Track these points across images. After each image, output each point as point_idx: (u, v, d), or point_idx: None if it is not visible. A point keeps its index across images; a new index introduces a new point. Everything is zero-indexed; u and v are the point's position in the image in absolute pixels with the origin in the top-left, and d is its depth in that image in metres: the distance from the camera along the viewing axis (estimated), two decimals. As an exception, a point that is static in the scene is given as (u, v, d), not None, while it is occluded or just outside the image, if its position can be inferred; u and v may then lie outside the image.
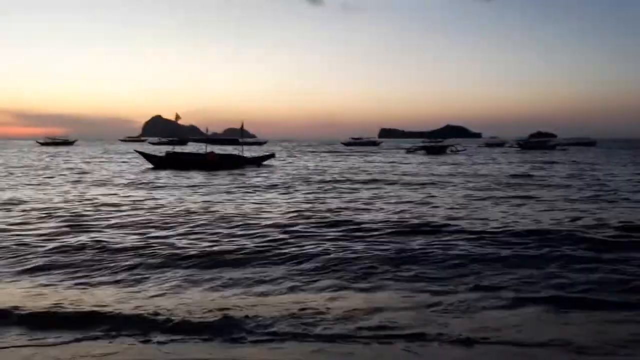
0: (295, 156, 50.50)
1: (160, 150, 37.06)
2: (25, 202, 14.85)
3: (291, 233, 10.23)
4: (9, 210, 13.24)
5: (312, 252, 8.62)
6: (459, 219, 12.02)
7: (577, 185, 20.66)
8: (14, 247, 8.98)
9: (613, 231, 10.40)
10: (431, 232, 10.28)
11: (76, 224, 11.14)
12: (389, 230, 10.48)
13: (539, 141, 78.50)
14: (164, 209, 13.58)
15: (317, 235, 10.03)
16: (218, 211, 13.14)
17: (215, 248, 8.94)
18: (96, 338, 5.17)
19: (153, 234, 10.16)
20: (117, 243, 9.24)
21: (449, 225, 11.03)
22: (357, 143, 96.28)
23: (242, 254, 8.54)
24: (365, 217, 12.33)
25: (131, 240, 9.58)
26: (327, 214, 12.70)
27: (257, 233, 10.23)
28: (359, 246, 9.09)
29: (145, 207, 13.98)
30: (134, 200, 15.36)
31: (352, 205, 14.60)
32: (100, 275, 7.37)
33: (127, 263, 7.95)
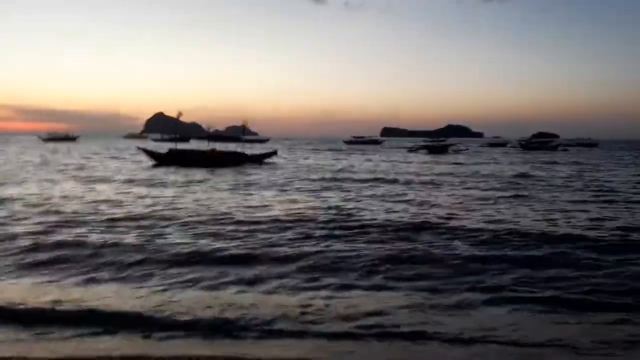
0: (296, 154, 50.62)
1: (163, 147, 37.09)
2: (28, 197, 14.90)
3: (292, 231, 10.27)
4: (12, 205, 13.31)
5: (313, 250, 8.67)
6: (459, 218, 12.05)
7: (578, 186, 20.68)
8: (19, 243, 9.05)
9: (613, 232, 10.44)
10: (432, 232, 10.32)
11: (79, 220, 11.21)
12: (390, 230, 10.53)
13: (540, 142, 78.61)
14: (166, 206, 13.62)
15: (318, 234, 10.06)
16: (219, 208, 13.19)
17: (215, 246, 8.98)
18: (98, 334, 5.22)
19: (154, 231, 10.20)
20: (118, 239, 9.29)
21: (449, 225, 11.07)
22: (359, 142, 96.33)
23: (242, 252, 8.58)
24: (366, 216, 12.36)
25: (133, 236, 9.63)
26: (329, 212, 12.73)
27: (258, 231, 10.27)
28: (359, 245, 9.14)
29: (147, 203, 14.03)
30: (136, 197, 15.42)
31: (353, 203, 14.63)
32: (102, 272, 7.42)
33: (128, 260, 8.00)
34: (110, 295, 6.39)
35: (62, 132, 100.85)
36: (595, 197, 16.76)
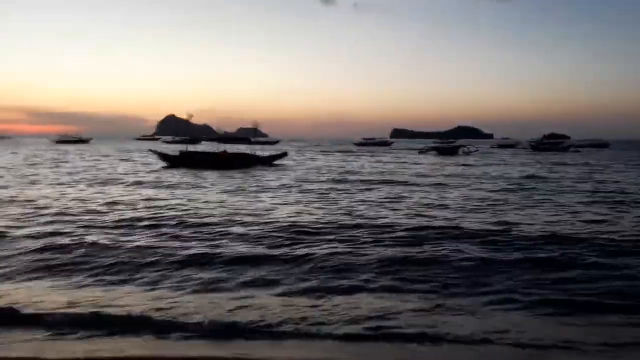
0: (305, 155, 50.69)
1: (174, 149, 37.32)
2: (40, 199, 15.11)
3: (301, 233, 10.33)
4: (23, 207, 13.50)
5: (321, 252, 8.70)
6: (468, 220, 12.04)
7: (588, 188, 20.51)
8: (30, 244, 9.20)
9: (624, 235, 10.37)
10: (440, 234, 10.31)
11: (92, 225, 11.35)
12: (399, 231, 10.55)
13: (551, 143, 77.96)
14: (177, 207, 13.74)
15: (327, 236, 10.11)
16: (228, 210, 13.29)
17: (225, 247, 9.06)
18: (108, 335, 5.30)
19: (165, 232, 10.32)
20: (130, 242, 9.42)
21: (458, 226, 11.05)
22: (369, 143, 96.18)
23: (251, 254, 8.64)
24: (376, 217, 12.40)
25: (145, 239, 9.76)
26: (338, 214, 12.78)
27: (267, 233, 10.34)
28: (368, 246, 9.17)
29: (158, 205, 14.16)
30: (148, 199, 15.58)
31: (362, 205, 14.67)
32: (114, 274, 7.52)
33: (140, 262, 8.10)
34: (121, 296, 6.49)
35: (74, 134, 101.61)
36: (606, 199, 16.61)
